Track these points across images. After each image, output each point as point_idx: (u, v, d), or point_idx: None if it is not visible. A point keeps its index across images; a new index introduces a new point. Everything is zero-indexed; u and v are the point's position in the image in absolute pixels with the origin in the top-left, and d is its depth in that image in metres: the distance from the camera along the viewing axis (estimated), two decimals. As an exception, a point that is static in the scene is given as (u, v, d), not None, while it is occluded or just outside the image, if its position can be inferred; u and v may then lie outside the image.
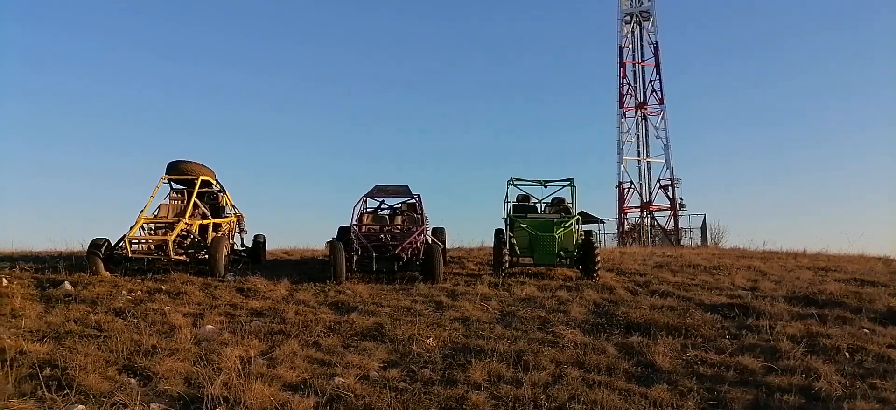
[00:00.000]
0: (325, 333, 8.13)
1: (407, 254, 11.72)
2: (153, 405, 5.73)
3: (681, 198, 35.80)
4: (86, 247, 11.84)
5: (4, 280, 10.33)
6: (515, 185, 13.84)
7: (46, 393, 5.75)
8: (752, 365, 7.12)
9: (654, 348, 7.53)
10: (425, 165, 71.23)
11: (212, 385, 5.90)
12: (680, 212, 35.46)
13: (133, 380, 6.27)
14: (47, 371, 6.29)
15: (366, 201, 13.78)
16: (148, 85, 69.74)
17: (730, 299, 10.42)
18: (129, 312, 8.85)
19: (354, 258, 11.60)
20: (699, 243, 29.81)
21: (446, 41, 79.76)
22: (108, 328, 7.99)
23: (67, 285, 10.19)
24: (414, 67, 79.42)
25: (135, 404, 5.59)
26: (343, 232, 13.21)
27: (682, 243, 31.63)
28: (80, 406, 5.58)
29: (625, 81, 37.02)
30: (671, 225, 35.87)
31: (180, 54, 71.52)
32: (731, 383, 6.66)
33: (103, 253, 11.50)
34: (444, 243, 13.55)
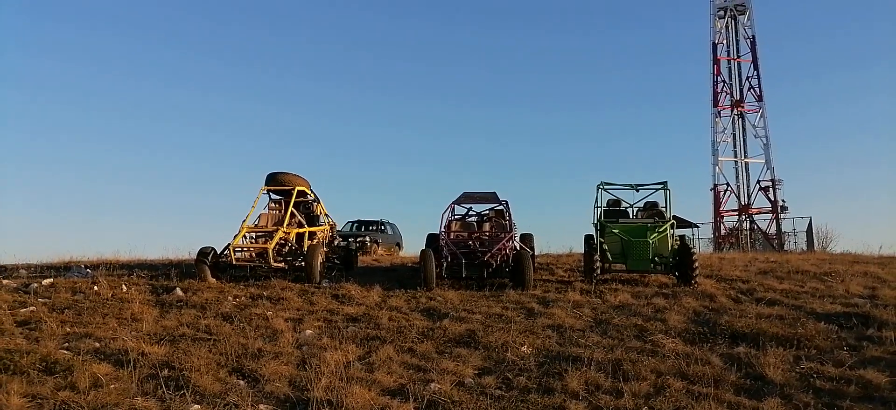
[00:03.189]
0: (418, 339, 8.24)
1: (496, 261, 11.68)
2: (262, 406, 6.00)
3: (783, 200, 33.79)
4: (193, 256, 12.61)
5: (124, 287, 11.16)
6: (605, 190, 13.42)
7: (166, 393, 6.14)
8: (876, 380, 6.57)
9: (764, 359, 7.11)
10: (511, 172, 71.19)
11: (315, 388, 6.12)
12: (782, 216, 33.43)
13: (242, 382, 6.59)
14: (165, 371, 6.72)
15: (454, 208, 13.86)
16: (248, 96, 73.90)
17: (845, 308, 9.69)
18: (235, 317, 9.33)
19: (444, 265, 11.69)
20: (805, 248, 27.95)
21: (532, 51, 79.57)
22: (217, 332, 8.48)
23: (179, 291, 10.87)
24: (501, 78, 79.73)
25: (246, 405, 5.87)
26: (432, 239, 13.35)
27: (785, 248, 29.78)
28: (196, 406, 5.92)
29: (719, 79, 35.43)
30: (773, 228, 33.90)
31: (281, 68, 75.45)
32: (853, 398, 6.19)
33: (210, 261, 12.20)
34: (532, 249, 13.40)
